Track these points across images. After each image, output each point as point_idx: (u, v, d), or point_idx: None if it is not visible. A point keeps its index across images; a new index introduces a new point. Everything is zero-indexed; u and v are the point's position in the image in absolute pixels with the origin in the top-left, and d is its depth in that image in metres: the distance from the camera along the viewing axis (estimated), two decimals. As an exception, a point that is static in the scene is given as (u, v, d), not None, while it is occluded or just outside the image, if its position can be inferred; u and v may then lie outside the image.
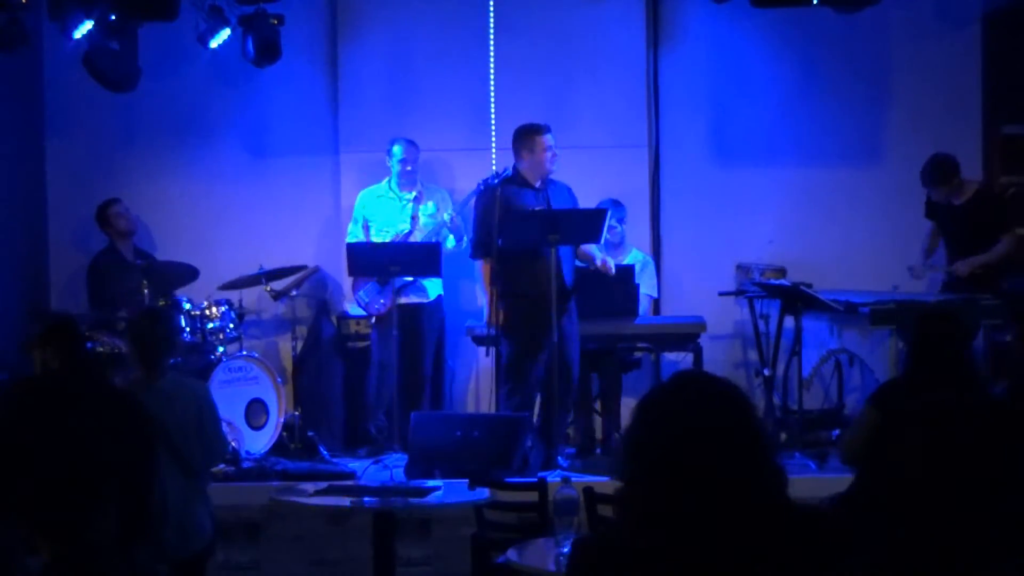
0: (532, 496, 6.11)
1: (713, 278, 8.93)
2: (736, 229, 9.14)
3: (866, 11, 8.45)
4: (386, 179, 8.69)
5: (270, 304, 8.96)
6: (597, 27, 9.09)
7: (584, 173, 8.56)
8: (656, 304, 8.88)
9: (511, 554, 5.02)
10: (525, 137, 7.91)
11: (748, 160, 9.22)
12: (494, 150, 8.94)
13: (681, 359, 8.46)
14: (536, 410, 7.94)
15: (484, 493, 5.97)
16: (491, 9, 9.10)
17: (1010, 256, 8.23)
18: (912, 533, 2.20)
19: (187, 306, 8.21)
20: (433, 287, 8.57)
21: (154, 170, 9.37)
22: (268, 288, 8.64)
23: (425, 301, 8.54)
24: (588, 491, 5.55)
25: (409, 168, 8.59)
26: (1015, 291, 7.95)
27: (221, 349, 8.35)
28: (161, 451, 5.27)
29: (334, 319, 9.01)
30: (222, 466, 7.24)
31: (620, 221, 8.68)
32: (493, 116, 9.03)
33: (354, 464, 7.76)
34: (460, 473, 6.61)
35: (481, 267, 8.05)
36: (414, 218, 8.52)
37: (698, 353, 8.22)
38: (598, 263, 7.99)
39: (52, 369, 4.76)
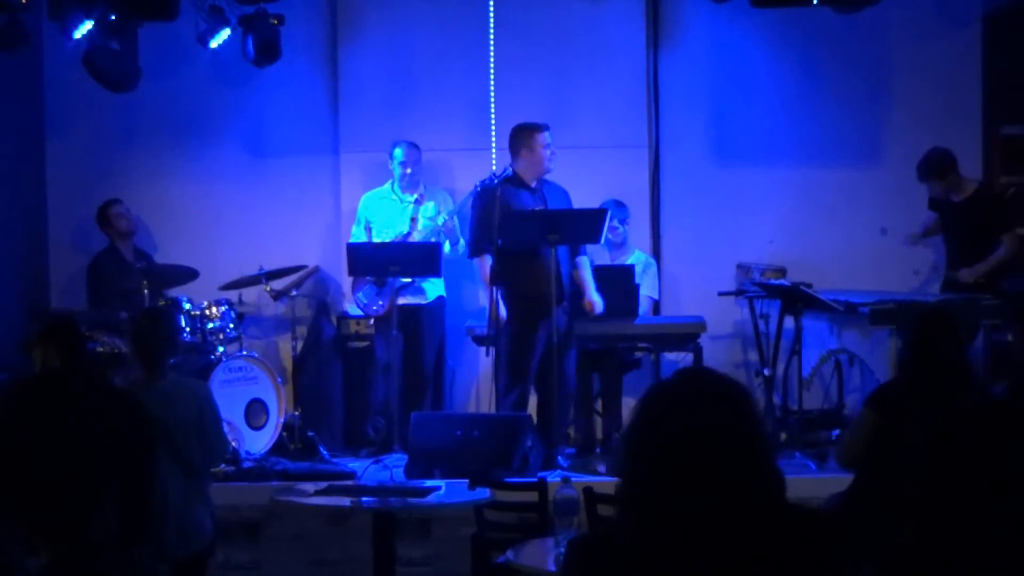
0: (532, 496, 6.11)
1: (713, 278, 8.93)
2: (736, 229, 9.14)
3: (866, 11, 8.45)
4: (389, 181, 8.70)
5: (270, 304, 8.97)
6: (597, 27, 9.08)
7: (584, 173, 8.56)
8: (656, 306, 8.88)
9: (511, 554, 5.02)
10: (523, 135, 7.92)
11: (748, 160, 9.22)
12: (494, 150, 8.94)
13: (681, 359, 8.46)
14: (535, 409, 7.95)
15: (484, 493, 5.97)
16: (491, 9, 9.10)
17: (1012, 257, 8.23)
18: (913, 534, 2.20)
19: (187, 306, 8.21)
20: (432, 288, 8.57)
21: (154, 170, 9.37)
22: (268, 288, 8.65)
23: (423, 302, 8.54)
24: (588, 491, 5.55)
25: (409, 171, 8.59)
26: (1015, 291, 7.95)
27: (221, 349, 8.35)
28: (162, 451, 5.27)
29: (334, 319, 9.01)
30: (222, 466, 7.24)
31: (622, 222, 8.68)
32: (493, 116, 9.03)
33: (354, 464, 7.76)
34: (460, 473, 6.62)
35: (480, 265, 8.05)
36: (413, 220, 8.52)
37: (698, 353, 8.22)
38: (586, 299, 7.95)
39: (52, 368, 4.75)
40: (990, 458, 2.18)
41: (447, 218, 8.43)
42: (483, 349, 8.28)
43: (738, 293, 8.71)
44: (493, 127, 9.00)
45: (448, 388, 8.94)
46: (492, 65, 9.09)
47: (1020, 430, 2.21)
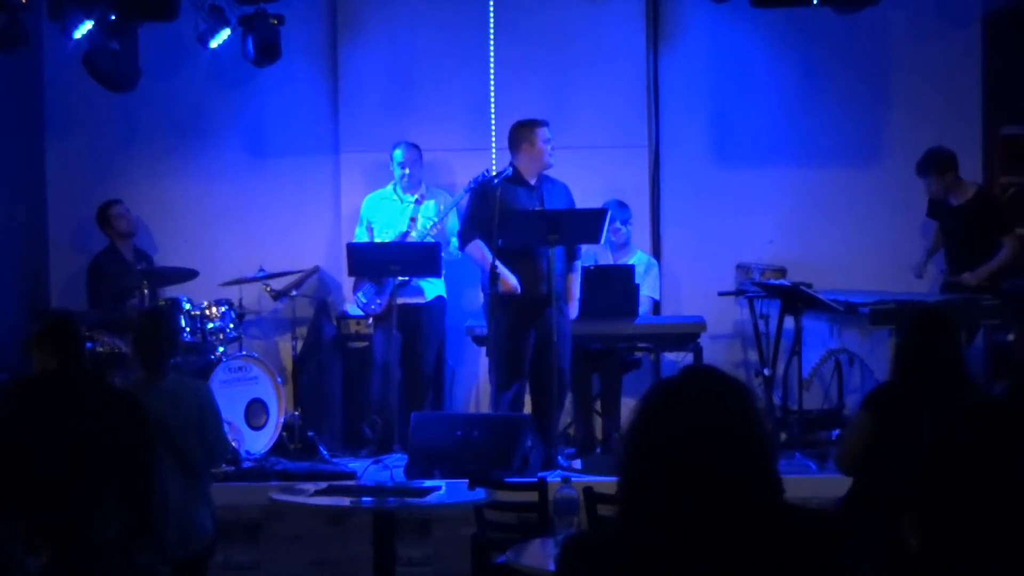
0: (532, 496, 6.11)
1: (713, 278, 8.93)
2: (736, 229, 9.14)
3: (866, 11, 8.45)
4: (391, 182, 8.71)
5: (270, 304, 8.97)
6: (597, 27, 9.08)
7: (584, 173, 8.56)
8: (657, 306, 8.88)
9: (511, 554, 5.02)
10: (523, 131, 7.92)
11: (748, 160, 9.22)
12: (494, 150, 8.94)
13: (681, 359, 8.46)
14: (529, 408, 7.96)
15: (484, 493, 5.97)
16: (491, 9, 9.10)
17: (1013, 259, 8.23)
18: (914, 535, 2.19)
19: (187, 306, 8.22)
20: (430, 288, 8.56)
21: (154, 170, 9.37)
22: (268, 288, 8.66)
23: (422, 301, 8.54)
24: (588, 491, 5.55)
25: (407, 171, 8.59)
26: (1014, 291, 7.95)
27: (221, 349, 8.35)
28: (163, 451, 5.27)
29: (334, 319, 9.01)
30: (223, 466, 7.24)
31: (625, 223, 8.68)
32: (493, 116, 9.03)
33: (354, 464, 7.76)
34: (460, 473, 6.62)
35: (471, 253, 8.00)
36: (413, 220, 8.52)
37: (698, 353, 8.22)
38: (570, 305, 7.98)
39: (50, 369, 4.75)
40: (991, 458, 2.18)
41: (435, 219, 8.43)
42: (483, 349, 8.28)
43: (738, 293, 8.71)
44: (493, 127, 9.00)
45: (448, 388, 8.95)
46: (492, 65, 9.09)
47: (1021, 430, 2.21)
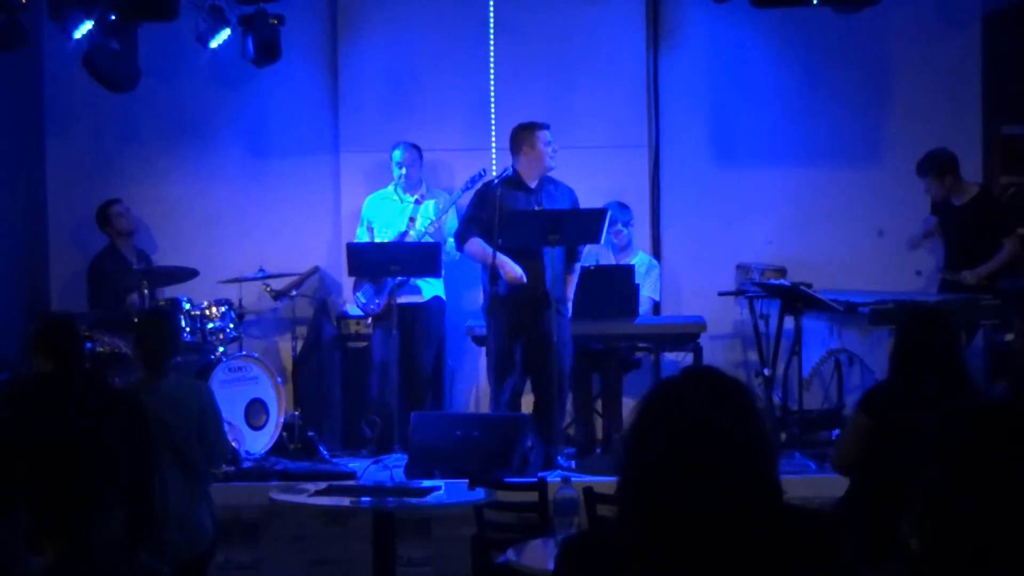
0: (532, 496, 6.11)
1: (713, 278, 8.93)
2: (736, 229, 9.14)
3: (866, 11, 8.45)
4: (392, 182, 8.71)
5: (270, 304, 8.97)
6: (597, 27, 9.08)
7: (584, 173, 8.56)
8: (657, 307, 8.88)
9: (511, 554, 5.02)
10: (524, 133, 7.93)
11: (748, 160, 9.22)
12: (494, 150, 8.94)
13: (681, 359, 8.47)
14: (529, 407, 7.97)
15: (484, 493, 5.97)
16: (491, 9, 9.10)
17: (1013, 259, 8.23)
18: (918, 538, 2.19)
19: (187, 306, 8.22)
20: (428, 288, 8.56)
21: (154, 170, 9.37)
22: (268, 288, 8.66)
23: (420, 301, 8.53)
24: (588, 491, 5.55)
25: (404, 171, 8.60)
26: (1014, 290, 7.95)
27: (221, 349, 8.36)
28: (163, 452, 5.27)
29: (334, 319, 9.01)
30: (223, 466, 7.24)
31: (626, 224, 8.69)
32: (493, 116, 9.03)
33: (354, 464, 7.76)
34: (460, 473, 6.61)
35: (470, 250, 8.00)
36: (412, 220, 8.52)
37: (698, 353, 8.22)
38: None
39: (49, 370, 4.75)
40: (996, 460, 2.18)
41: (432, 219, 8.43)
42: (483, 349, 8.28)
43: (738, 293, 8.71)
44: (493, 127, 9.00)
45: (448, 388, 8.94)
46: (492, 65, 9.10)
47: (1020, 431, 2.21)
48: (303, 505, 6.01)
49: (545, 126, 7.94)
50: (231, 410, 7.82)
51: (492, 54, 9.10)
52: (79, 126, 9.40)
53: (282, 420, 8.29)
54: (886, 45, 9.17)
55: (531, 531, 5.86)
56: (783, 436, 7.89)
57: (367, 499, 5.75)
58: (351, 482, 6.43)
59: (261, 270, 8.59)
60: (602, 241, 7.99)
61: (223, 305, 8.41)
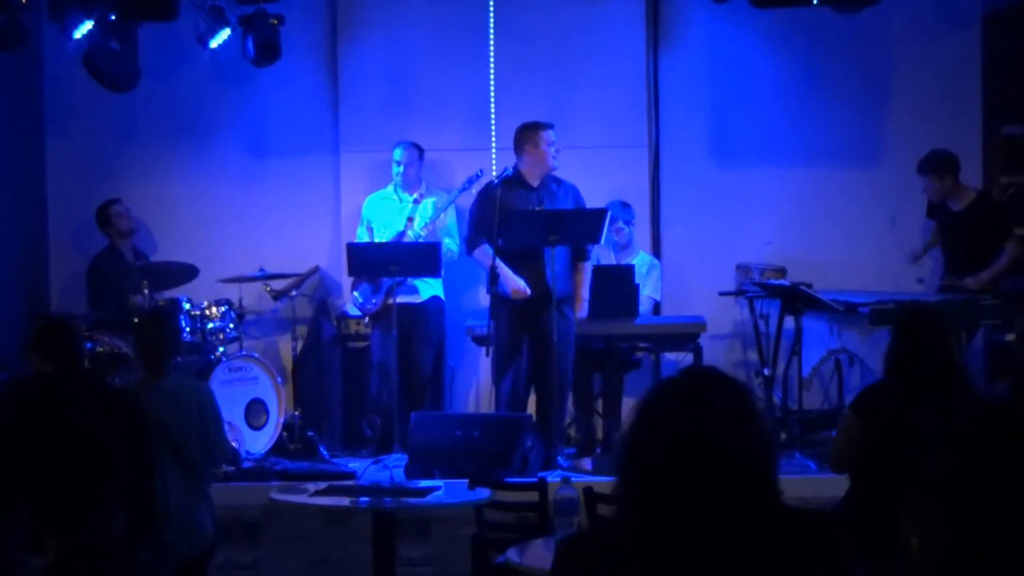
0: (532, 496, 6.11)
1: (713, 278, 8.93)
2: (736, 229, 9.14)
3: (866, 11, 8.45)
4: (392, 182, 8.71)
5: (270, 304, 8.97)
6: (597, 27, 9.08)
7: (584, 173, 8.55)
8: (657, 307, 8.88)
9: (511, 554, 5.02)
10: (528, 133, 7.93)
11: (748, 160, 9.22)
12: (494, 150, 8.94)
13: (681, 359, 8.46)
14: (532, 407, 7.97)
15: (484, 493, 5.97)
16: (491, 9, 9.09)
17: (1014, 263, 8.23)
18: (913, 536, 2.19)
19: (187, 306, 8.22)
20: (425, 288, 8.55)
21: (154, 170, 9.37)
22: (268, 288, 8.66)
23: (418, 301, 8.53)
24: (588, 491, 5.55)
25: (402, 169, 8.60)
26: (1014, 291, 7.95)
27: (221, 349, 8.36)
28: (164, 452, 5.27)
29: (334, 319, 9.01)
30: (223, 466, 7.24)
31: (628, 223, 8.69)
32: (493, 116, 9.03)
33: (354, 464, 7.76)
34: (460, 473, 6.62)
35: (480, 258, 8.01)
36: (410, 219, 8.52)
37: (698, 353, 8.22)
38: (576, 307, 7.98)
39: (48, 370, 4.75)
40: (996, 460, 2.18)
41: (427, 221, 8.43)
42: (483, 349, 8.27)
43: (738, 293, 8.71)
44: (493, 127, 9.00)
45: (448, 388, 8.94)
46: (492, 65, 9.09)
47: (1020, 431, 2.21)
48: (303, 505, 6.01)
49: (549, 126, 7.95)
50: (231, 410, 7.82)
51: (492, 54, 9.09)
52: (79, 126, 9.40)
53: (282, 420, 8.29)
54: (886, 45, 9.17)
55: (531, 531, 5.86)
56: (783, 436, 7.89)
57: (367, 499, 5.75)
58: (351, 482, 6.42)
59: (261, 270, 8.59)
60: (603, 241, 7.99)
61: (223, 305, 8.41)
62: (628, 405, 8.16)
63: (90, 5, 7.96)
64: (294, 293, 8.75)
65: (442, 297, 8.64)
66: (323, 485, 6.11)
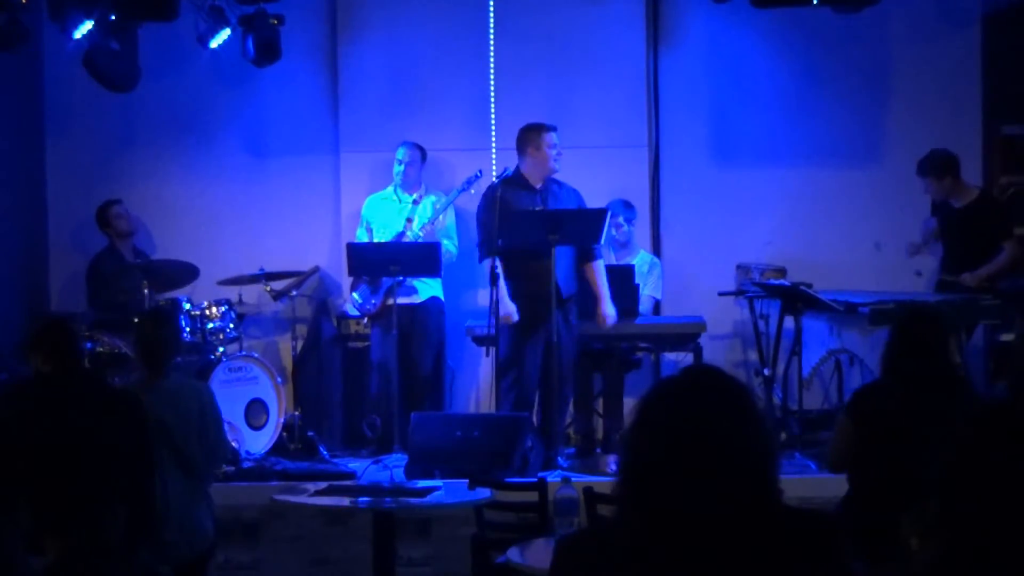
0: (532, 496, 6.11)
1: (713, 278, 8.93)
2: (736, 229, 9.14)
3: (866, 11, 8.45)
4: (392, 183, 8.72)
5: (270, 304, 8.97)
6: (597, 27, 9.08)
7: (584, 173, 8.56)
8: (657, 306, 8.88)
9: (511, 554, 5.02)
10: (531, 134, 7.93)
11: (748, 160, 9.23)
12: (494, 150, 8.94)
13: (681, 359, 8.47)
14: (535, 408, 7.95)
15: (484, 493, 5.97)
16: (491, 9, 9.10)
17: (1013, 262, 8.23)
18: (913, 536, 2.19)
19: (187, 306, 8.22)
20: (425, 288, 8.55)
21: (154, 170, 9.37)
22: (268, 288, 8.66)
23: (416, 301, 8.52)
24: (588, 491, 5.55)
25: (403, 168, 8.61)
26: (1013, 291, 7.95)
27: (221, 349, 8.36)
28: (164, 452, 5.28)
29: (334, 319, 9.01)
30: (223, 467, 7.24)
31: (628, 221, 8.69)
32: (493, 116, 9.04)
33: (354, 464, 7.76)
34: (460, 473, 6.62)
35: (487, 267, 8.02)
36: (409, 220, 8.52)
37: (698, 353, 8.22)
38: (600, 310, 7.94)
39: (47, 371, 4.75)
40: (996, 460, 2.18)
41: (425, 222, 8.43)
42: (483, 349, 8.28)
43: (738, 293, 8.71)
44: (493, 127, 9.00)
45: (448, 388, 8.94)
46: (492, 65, 9.10)
47: (1020, 431, 2.21)
48: (303, 505, 6.01)
49: (552, 128, 7.94)
50: (231, 410, 7.82)
51: (492, 54, 9.10)
52: (79, 126, 9.40)
53: (282, 420, 8.29)
54: (886, 45, 9.17)
55: (531, 531, 5.86)
56: (783, 436, 7.89)
57: (367, 499, 5.75)
58: (351, 482, 6.43)
59: (261, 270, 8.59)
60: (603, 241, 7.99)
61: (223, 305, 8.41)
62: (628, 405, 8.16)
63: (90, 5, 7.96)
64: (294, 293, 8.75)
65: (441, 298, 8.64)
66: (323, 485, 6.11)
